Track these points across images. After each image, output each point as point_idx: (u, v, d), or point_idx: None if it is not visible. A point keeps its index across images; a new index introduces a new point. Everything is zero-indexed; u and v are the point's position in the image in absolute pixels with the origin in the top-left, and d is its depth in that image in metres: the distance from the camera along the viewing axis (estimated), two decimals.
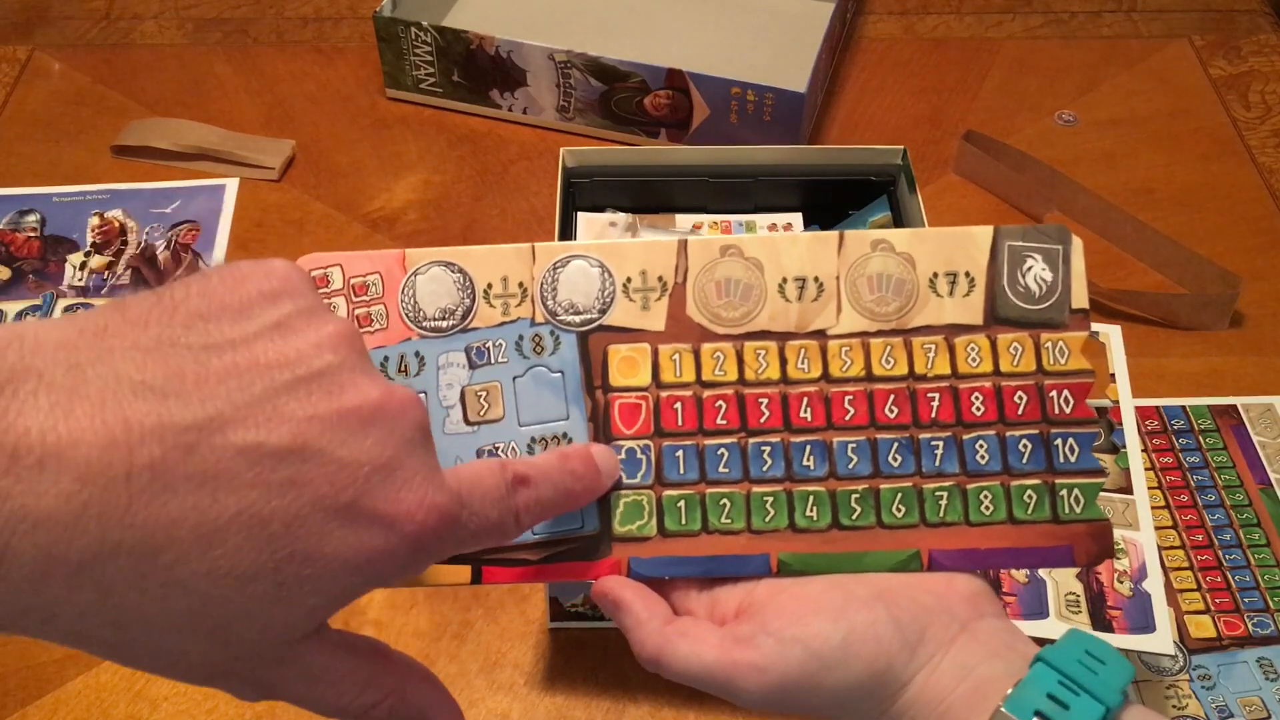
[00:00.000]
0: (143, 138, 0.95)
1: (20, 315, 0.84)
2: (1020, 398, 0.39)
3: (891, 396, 0.40)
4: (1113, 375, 0.68)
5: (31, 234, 0.90)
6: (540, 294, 0.41)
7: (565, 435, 0.40)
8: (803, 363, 0.40)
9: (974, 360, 0.40)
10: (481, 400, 0.40)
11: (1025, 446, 0.39)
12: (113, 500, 0.27)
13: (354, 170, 0.95)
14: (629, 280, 0.41)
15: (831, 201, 0.86)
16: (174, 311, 0.30)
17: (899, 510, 0.39)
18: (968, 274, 0.40)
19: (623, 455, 0.40)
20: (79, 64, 1.05)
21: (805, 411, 0.40)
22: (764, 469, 0.40)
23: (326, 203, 0.93)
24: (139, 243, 0.89)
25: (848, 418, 0.40)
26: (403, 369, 0.40)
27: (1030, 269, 0.40)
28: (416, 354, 0.41)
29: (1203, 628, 0.67)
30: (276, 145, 0.96)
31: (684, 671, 0.39)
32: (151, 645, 0.29)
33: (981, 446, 0.39)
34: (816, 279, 0.40)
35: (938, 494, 0.39)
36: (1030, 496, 0.39)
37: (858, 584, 0.40)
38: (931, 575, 0.40)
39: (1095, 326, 0.71)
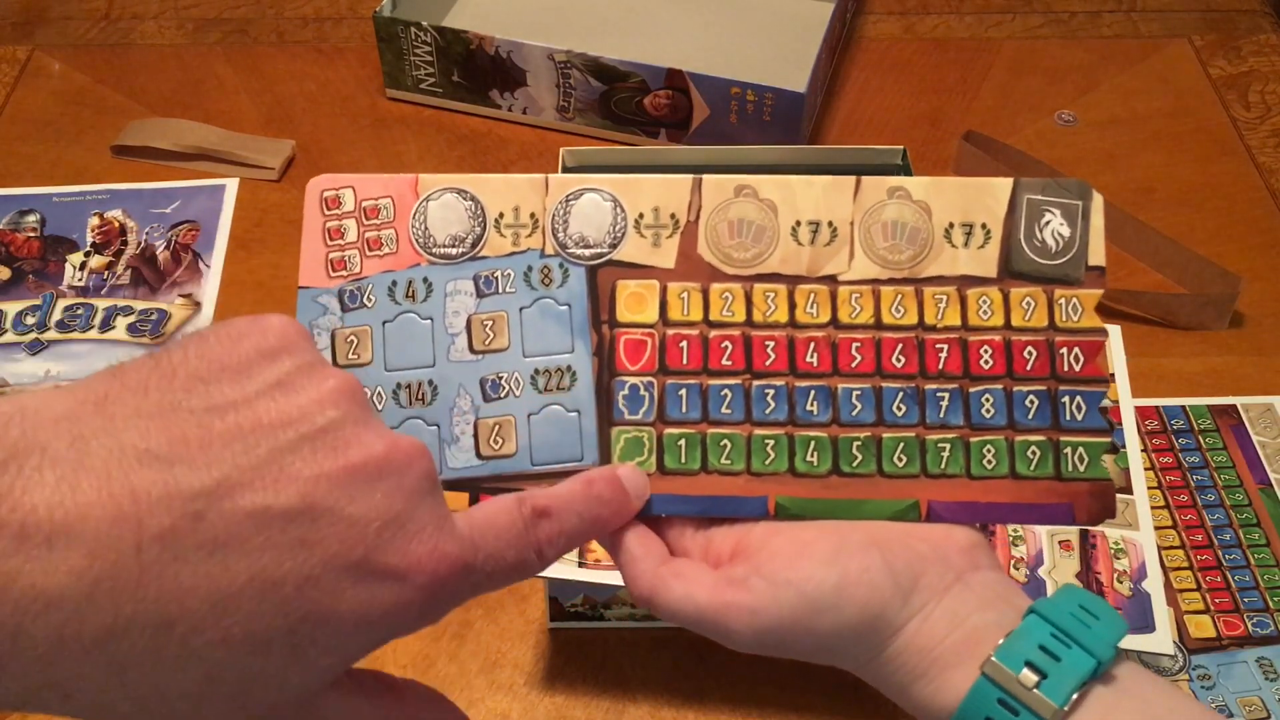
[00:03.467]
0: (143, 138, 0.95)
1: (20, 315, 0.84)
2: (1030, 353, 0.39)
3: (900, 345, 0.39)
4: (1112, 375, 0.68)
5: (31, 234, 0.90)
6: (551, 225, 0.41)
7: (569, 368, 0.40)
8: (812, 307, 0.40)
9: (985, 313, 0.39)
10: (487, 329, 0.40)
11: (1032, 402, 0.39)
12: (124, 574, 0.26)
13: (354, 170, 0.95)
14: (641, 216, 0.41)
15: None
16: (173, 375, 0.30)
17: (900, 460, 0.39)
18: (984, 225, 0.40)
19: (626, 391, 0.40)
20: (79, 64, 1.05)
21: (811, 356, 0.39)
22: (767, 411, 0.39)
23: None
24: (139, 243, 0.89)
25: (854, 364, 0.39)
26: (410, 294, 0.40)
27: (1049, 223, 0.39)
28: (425, 280, 0.41)
29: (1202, 627, 0.67)
30: (276, 145, 0.96)
31: (677, 612, 0.39)
32: (169, 715, 0.29)
33: (988, 400, 0.39)
34: (830, 223, 0.40)
35: (940, 445, 0.39)
36: (1034, 452, 0.39)
37: (853, 530, 0.39)
38: (929, 525, 0.40)
39: None
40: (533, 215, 0.41)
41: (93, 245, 0.89)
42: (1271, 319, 0.85)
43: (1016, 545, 0.61)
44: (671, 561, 0.40)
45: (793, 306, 0.40)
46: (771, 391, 0.39)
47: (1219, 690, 0.65)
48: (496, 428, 0.40)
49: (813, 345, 0.39)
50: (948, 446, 0.39)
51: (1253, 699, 0.64)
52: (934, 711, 0.38)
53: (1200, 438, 0.76)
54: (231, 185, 0.94)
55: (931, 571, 0.39)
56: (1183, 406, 0.78)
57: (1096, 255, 0.40)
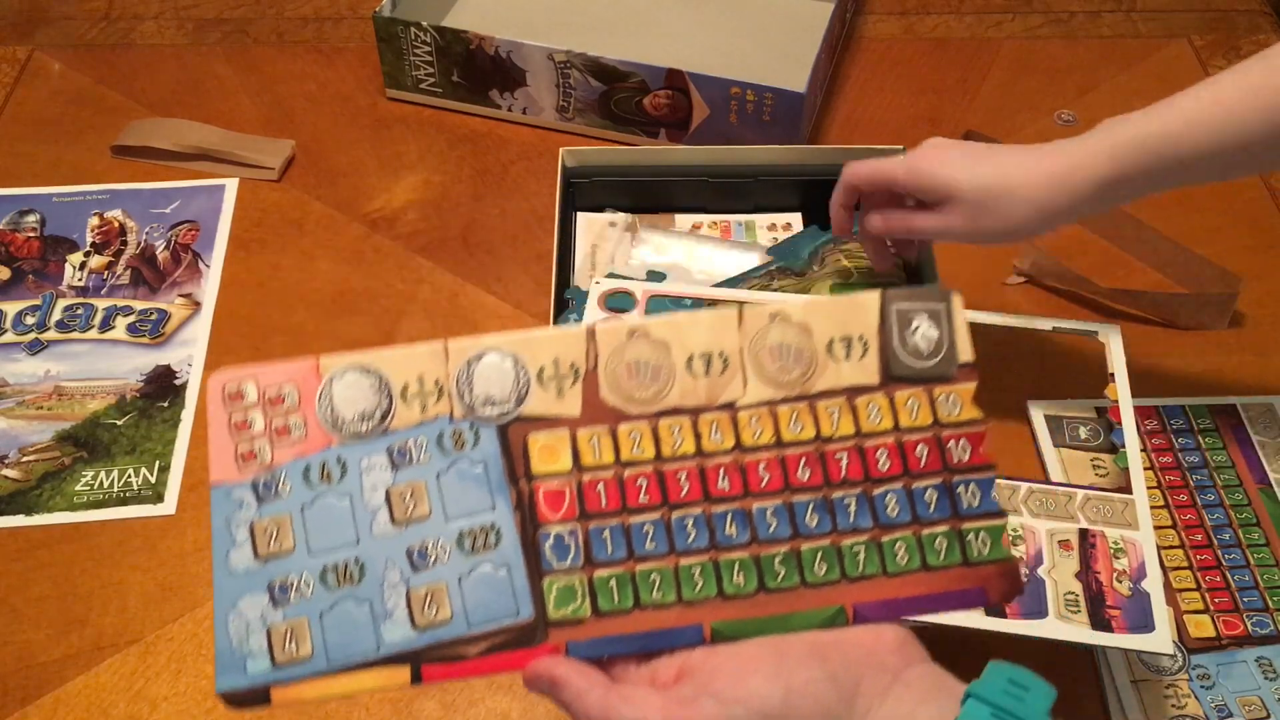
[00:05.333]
0: (142, 138, 0.95)
1: (20, 315, 0.84)
2: (921, 450, 0.42)
3: (803, 460, 0.42)
4: (1112, 375, 0.68)
5: (31, 234, 0.90)
6: (456, 390, 0.42)
7: (493, 526, 0.41)
8: (716, 435, 0.42)
9: (875, 418, 0.42)
10: (407, 500, 0.41)
11: (931, 496, 0.41)
12: None
13: (354, 170, 0.95)
14: (542, 370, 0.42)
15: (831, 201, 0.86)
16: None
17: (820, 568, 0.41)
18: (861, 337, 0.42)
19: (551, 540, 0.41)
20: (79, 64, 1.05)
21: (723, 482, 0.41)
22: (689, 541, 0.41)
23: (326, 203, 0.93)
24: (139, 243, 0.89)
25: (763, 484, 0.41)
26: (325, 476, 0.41)
27: (917, 328, 0.43)
28: (338, 460, 0.41)
29: (1202, 627, 0.67)
30: (276, 145, 0.96)
31: None
32: None
33: (891, 500, 0.41)
34: (721, 354, 0.42)
35: (855, 549, 0.41)
36: (941, 543, 0.41)
37: (792, 642, 0.41)
38: (860, 629, 0.41)
39: (1094, 326, 0.71)
40: (437, 382, 0.41)
41: (92, 245, 0.89)
42: (1271, 319, 0.85)
43: (1016, 545, 0.61)
44: (618, 687, 0.40)
45: (698, 437, 0.41)
46: (691, 521, 0.41)
47: (1219, 690, 0.65)
48: (429, 596, 0.40)
49: (722, 471, 0.41)
50: (862, 549, 0.41)
51: (1252, 698, 0.64)
52: None
53: (1200, 438, 0.76)
54: (231, 185, 0.94)
55: (870, 675, 0.40)
56: (1183, 406, 0.78)
57: (965, 352, 0.42)
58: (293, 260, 0.89)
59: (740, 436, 0.42)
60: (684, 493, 0.41)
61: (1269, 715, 0.64)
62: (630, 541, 0.41)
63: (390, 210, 0.92)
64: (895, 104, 1.02)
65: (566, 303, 0.75)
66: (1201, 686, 0.65)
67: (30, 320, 0.84)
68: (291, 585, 0.40)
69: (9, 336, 0.83)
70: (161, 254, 0.89)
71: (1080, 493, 0.63)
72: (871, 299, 0.42)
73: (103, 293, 0.86)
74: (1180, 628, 0.67)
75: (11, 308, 0.85)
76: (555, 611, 0.40)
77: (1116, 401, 0.67)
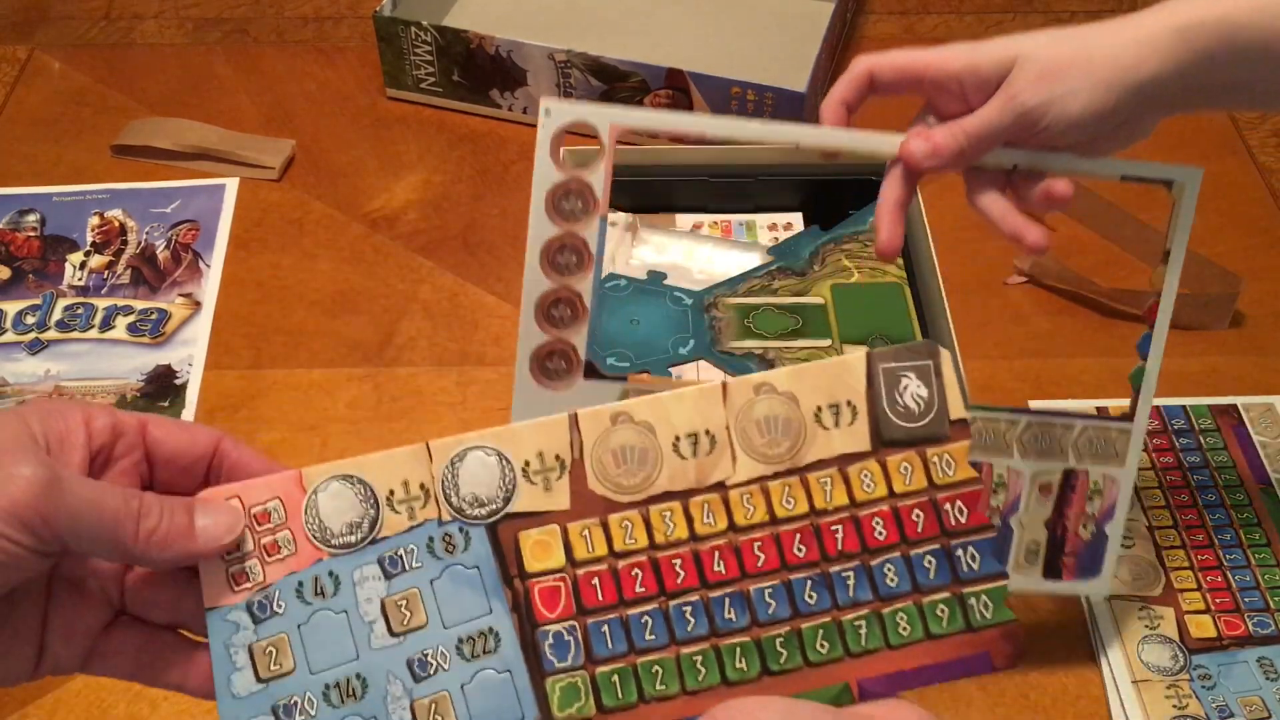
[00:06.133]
0: (143, 137, 0.95)
1: (20, 315, 0.84)
2: (918, 515, 0.41)
3: (798, 536, 0.41)
4: (1168, 251, 0.64)
5: (31, 233, 0.90)
6: (443, 492, 0.41)
7: (491, 629, 0.40)
8: (708, 517, 0.41)
9: (869, 486, 0.41)
10: (403, 609, 0.41)
11: (930, 563, 0.40)
12: None
13: (354, 170, 0.95)
14: (527, 464, 0.41)
15: (832, 201, 0.86)
16: None
17: (823, 646, 0.40)
18: (849, 403, 0.41)
19: (550, 640, 0.40)
20: (79, 64, 1.05)
21: (719, 565, 0.40)
22: (688, 629, 0.40)
23: (326, 202, 0.93)
24: (139, 242, 0.89)
25: (760, 564, 0.40)
26: (319, 591, 0.40)
27: (906, 388, 0.41)
28: (330, 574, 0.41)
29: (1203, 627, 0.67)
30: (276, 145, 0.96)
31: None
32: None
33: (889, 570, 0.41)
34: (708, 432, 0.41)
35: (856, 624, 0.40)
36: (943, 610, 0.40)
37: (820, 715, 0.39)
38: (881, 710, 0.40)
39: (1170, 173, 0.64)
40: (422, 486, 0.41)
41: (93, 245, 0.89)
42: (1271, 319, 0.85)
43: (996, 493, 0.60)
44: None
45: (690, 520, 0.41)
46: (689, 608, 0.40)
47: (1219, 690, 0.65)
48: (433, 706, 0.40)
49: (717, 554, 0.40)
50: (863, 623, 0.40)
51: (1253, 699, 0.64)
52: None
53: (1201, 437, 0.76)
54: (231, 185, 0.94)
55: None
56: (1183, 406, 0.78)
57: (956, 409, 0.41)
58: (293, 260, 0.89)
59: (733, 517, 0.41)
60: (680, 580, 0.40)
61: (1270, 715, 0.64)
62: (630, 634, 0.40)
63: (390, 210, 0.92)
64: (895, 103, 1.01)
65: None
66: (1203, 687, 0.65)
67: (30, 320, 0.84)
68: (295, 706, 0.40)
69: (9, 336, 0.83)
70: (162, 253, 0.89)
71: (1079, 424, 0.61)
72: (857, 360, 0.41)
73: (103, 292, 0.86)
74: (1181, 628, 0.67)
75: (11, 307, 0.85)
76: (560, 712, 0.40)
77: (1158, 298, 0.62)
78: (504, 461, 0.41)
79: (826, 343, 0.77)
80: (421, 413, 0.79)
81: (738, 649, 0.40)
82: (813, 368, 0.42)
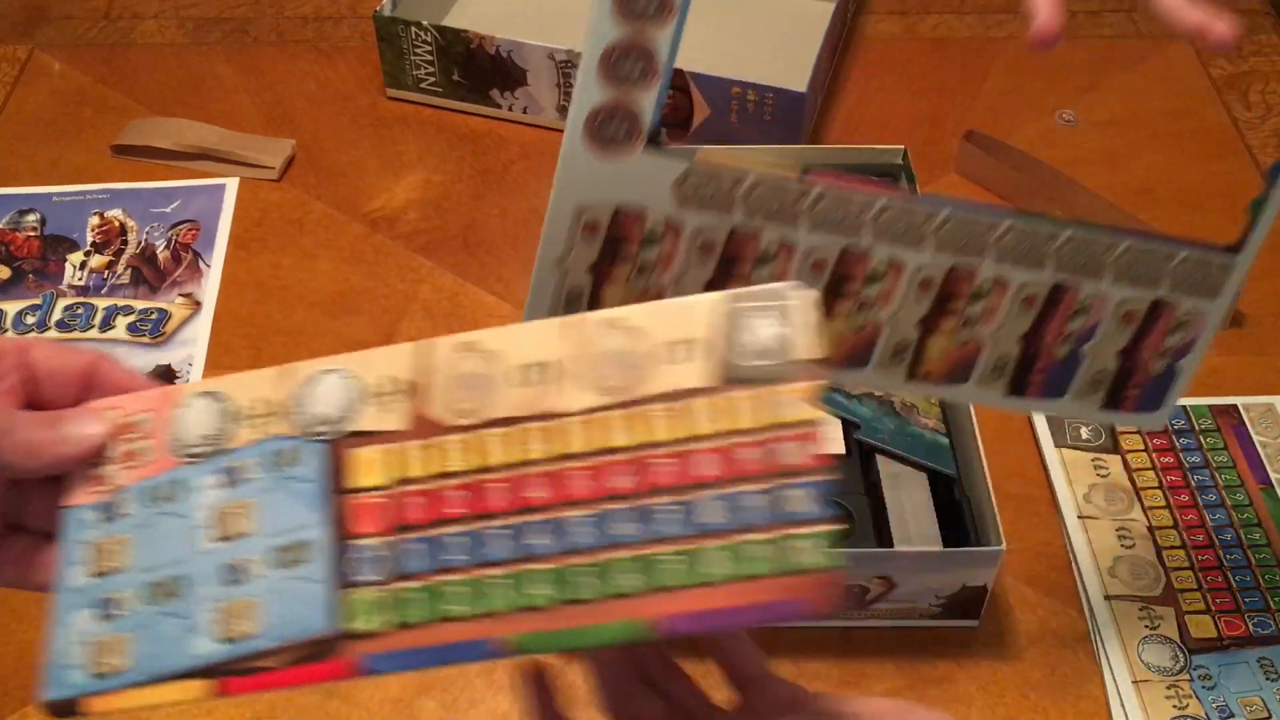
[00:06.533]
0: (143, 137, 0.95)
1: (20, 314, 0.84)
2: (752, 454, 0.39)
3: (623, 468, 0.39)
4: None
5: (31, 233, 0.90)
6: (295, 410, 0.42)
7: (307, 541, 0.41)
8: (537, 444, 0.40)
9: (706, 422, 0.39)
10: (233, 517, 0.42)
11: (757, 502, 0.38)
12: None
13: (354, 170, 0.95)
14: (374, 386, 0.42)
15: None
16: None
17: (628, 580, 0.38)
18: (699, 339, 0.40)
19: (360, 555, 0.40)
20: (79, 63, 1.05)
21: (538, 492, 0.39)
22: (496, 553, 0.39)
23: (326, 202, 0.93)
24: (139, 242, 0.89)
25: (578, 491, 0.39)
26: (165, 497, 0.42)
27: (760, 328, 0.40)
28: (177, 481, 0.42)
29: (1203, 627, 0.67)
30: (276, 145, 0.96)
31: None
32: None
33: (711, 506, 0.39)
34: (551, 362, 0.41)
35: (666, 560, 0.38)
36: (762, 551, 0.38)
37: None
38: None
39: None
40: (276, 403, 0.42)
41: (93, 245, 0.89)
42: (1272, 319, 0.85)
43: (1075, 318, 0.55)
44: None
45: (520, 446, 0.40)
46: (500, 532, 0.39)
47: (1220, 690, 0.65)
48: (237, 610, 0.41)
49: (539, 481, 0.40)
50: (675, 559, 0.38)
51: (1254, 699, 0.64)
52: None
53: (1201, 438, 0.76)
54: (231, 185, 0.94)
55: None
56: (1184, 406, 0.78)
57: (810, 349, 0.39)
58: (293, 260, 0.89)
59: (562, 444, 0.40)
60: (498, 503, 0.40)
61: (1270, 716, 0.64)
62: (439, 554, 0.39)
63: (391, 210, 0.92)
64: (896, 104, 1.02)
65: None
66: (1203, 687, 0.65)
67: (30, 320, 0.84)
68: (118, 601, 0.41)
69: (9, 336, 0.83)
70: (162, 253, 0.89)
71: (1182, 252, 0.56)
72: (712, 299, 0.41)
73: (103, 292, 0.86)
74: (1181, 628, 0.67)
75: (12, 307, 0.85)
76: (353, 624, 0.39)
77: None
78: (352, 383, 0.42)
79: None
80: None
81: (539, 576, 0.39)
82: (667, 305, 0.41)
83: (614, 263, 0.52)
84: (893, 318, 0.54)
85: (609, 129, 0.50)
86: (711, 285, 0.51)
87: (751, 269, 0.52)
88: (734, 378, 0.40)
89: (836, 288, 0.53)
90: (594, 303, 0.51)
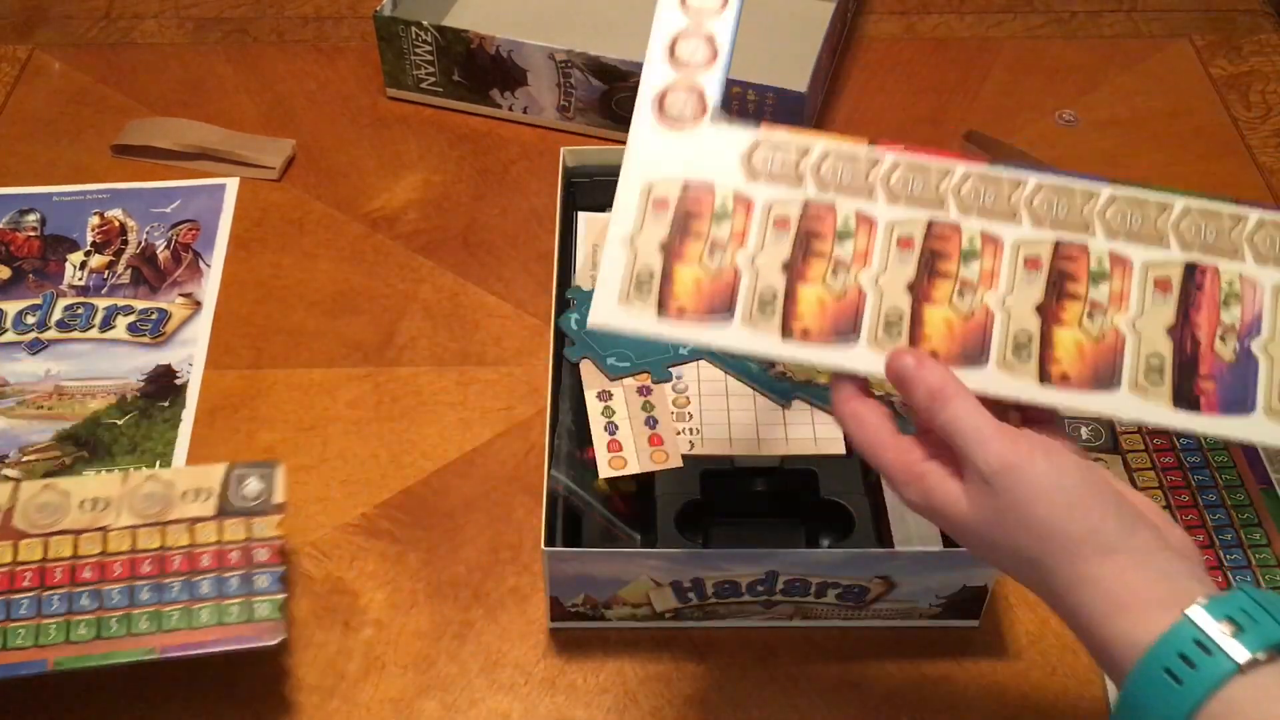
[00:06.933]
0: (143, 137, 0.95)
1: (20, 314, 0.84)
2: (235, 555, 0.64)
3: (147, 560, 0.64)
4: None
5: (32, 233, 0.90)
6: None
7: None
8: (90, 545, 0.64)
9: (206, 536, 0.65)
10: None
11: (235, 582, 0.63)
12: None
13: (354, 170, 0.95)
14: None
15: None
16: None
17: (144, 624, 0.61)
18: (208, 489, 0.66)
19: None
20: (79, 63, 1.05)
21: (87, 573, 0.63)
22: (52, 609, 0.62)
23: (326, 202, 0.93)
24: (139, 242, 0.89)
25: (115, 574, 0.63)
26: None
27: (247, 483, 0.67)
28: None
29: None
30: (276, 145, 0.96)
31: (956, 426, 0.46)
32: None
33: (204, 583, 0.63)
34: (106, 498, 0.65)
35: (172, 613, 0.62)
36: (236, 608, 0.62)
37: (1091, 468, 0.45)
38: (1150, 504, 0.46)
39: None
40: None
41: (93, 244, 0.89)
42: None
43: (1229, 305, 0.48)
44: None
45: (75, 546, 0.64)
46: (56, 598, 0.62)
47: None
48: None
49: (88, 568, 0.63)
50: (177, 613, 0.62)
51: None
52: (1125, 645, 0.42)
53: (1201, 438, 0.76)
54: (232, 185, 0.94)
55: (1147, 531, 0.44)
56: None
57: (278, 497, 0.66)
58: (293, 260, 0.89)
59: (107, 546, 0.64)
60: (56, 580, 0.62)
61: None
62: (9, 611, 0.61)
63: (391, 210, 0.92)
64: (896, 104, 1.02)
65: (568, 302, 0.75)
66: None
67: (30, 320, 0.84)
68: None
69: (9, 336, 0.83)
70: (162, 253, 0.89)
71: (1180, 202, 0.49)
72: (222, 468, 0.67)
73: (103, 292, 0.86)
74: None
75: (12, 307, 0.85)
76: None
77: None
78: None
79: None
80: (422, 413, 0.79)
81: (82, 623, 0.61)
82: (188, 470, 0.70)
83: (684, 239, 0.50)
84: (1003, 302, 0.48)
85: (676, 105, 0.52)
86: (791, 264, 0.49)
87: (833, 245, 0.50)
88: (229, 511, 0.66)
89: (931, 265, 0.49)
90: (666, 282, 0.49)
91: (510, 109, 0.98)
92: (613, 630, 0.68)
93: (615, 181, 0.90)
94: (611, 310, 0.50)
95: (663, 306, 0.49)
